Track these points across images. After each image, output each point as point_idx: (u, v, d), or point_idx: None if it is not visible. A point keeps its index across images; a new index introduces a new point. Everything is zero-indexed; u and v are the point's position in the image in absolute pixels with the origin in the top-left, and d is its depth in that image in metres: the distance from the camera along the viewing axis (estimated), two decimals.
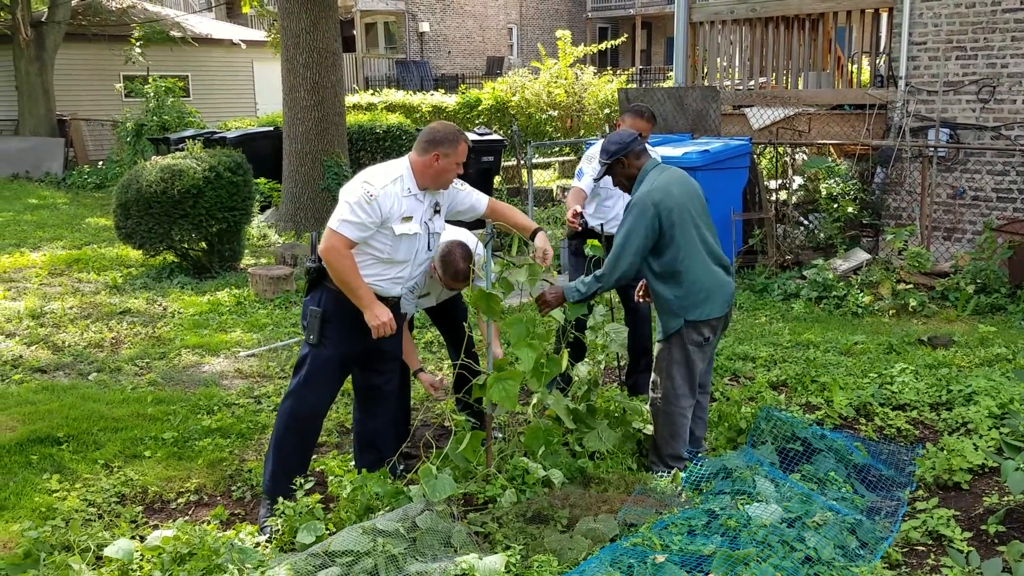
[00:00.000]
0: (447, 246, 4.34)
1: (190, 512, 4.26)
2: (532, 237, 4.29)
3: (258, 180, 11.34)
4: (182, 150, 9.32)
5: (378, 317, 3.92)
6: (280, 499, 3.91)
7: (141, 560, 3.53)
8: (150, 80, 17.14)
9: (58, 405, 5.45)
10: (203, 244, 9.07)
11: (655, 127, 5.68)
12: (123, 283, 8.79)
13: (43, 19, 19.37)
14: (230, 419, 5.30)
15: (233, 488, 4.47)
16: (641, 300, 4.85)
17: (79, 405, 5.48)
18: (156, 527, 3.96)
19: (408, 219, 3.99)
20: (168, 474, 4.62)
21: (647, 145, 4.86)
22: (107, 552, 3.53)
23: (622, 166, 4.39)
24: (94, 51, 20.80)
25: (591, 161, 5.29)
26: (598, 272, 4.31)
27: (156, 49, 20.23)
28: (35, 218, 12.84)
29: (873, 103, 9.65)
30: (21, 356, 6.57)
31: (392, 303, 4.12)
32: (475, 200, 4.31)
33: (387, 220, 3.91)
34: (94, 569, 3.49)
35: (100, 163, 18.26)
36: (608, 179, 4.66)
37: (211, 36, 22.80)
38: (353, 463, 4.40)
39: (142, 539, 3.77)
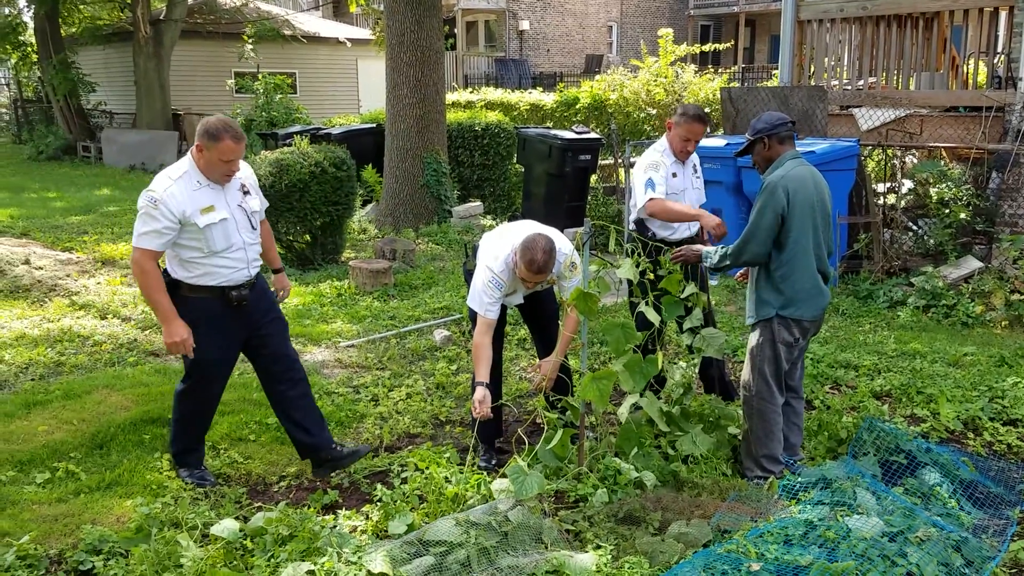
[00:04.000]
0: (532, 235, 4.27)
1: (291, 495, 4.40)
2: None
3: (364, 171, 11.63)
4: (289, 145, 9.60)
5: (172, 336, 3.97)
6: (379, 486, 4.04)
7: (245, 539, 3.67)
8: (259, 77, 17.69)
9: (170, 388, 5.66)
10: (307, 237, 9.33)
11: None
12: None
13: (161, 17, 20.25)
14: (330, 407, 5.44)
15: (332, 474, 4.59)
16: (741, 279, 4.81)
17: None
18: (259, 508, 4.10)
19: (209, 209, 3.96)
20: (271, 458, 4.79)
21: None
22: (213, 530, 3.70)
23: (764, 146, 4.39)
24: (208, 48, 21.65)
25: (657, 169, 5.06)
26: (729, 249, 4.37)
27: (266, 46, 20.92)
28: None
29: (990, 105, 9.23)
30: (136, 339, 6.90)
31: (247, 286, 4.15)
32: None
33: (185, 218, 3.90)
34: (201, 546, 3.65)
35: None
36: (676, 182, 5.07)
37: (319, 34, 23.41)
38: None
39: (246, 519, 3.93)
